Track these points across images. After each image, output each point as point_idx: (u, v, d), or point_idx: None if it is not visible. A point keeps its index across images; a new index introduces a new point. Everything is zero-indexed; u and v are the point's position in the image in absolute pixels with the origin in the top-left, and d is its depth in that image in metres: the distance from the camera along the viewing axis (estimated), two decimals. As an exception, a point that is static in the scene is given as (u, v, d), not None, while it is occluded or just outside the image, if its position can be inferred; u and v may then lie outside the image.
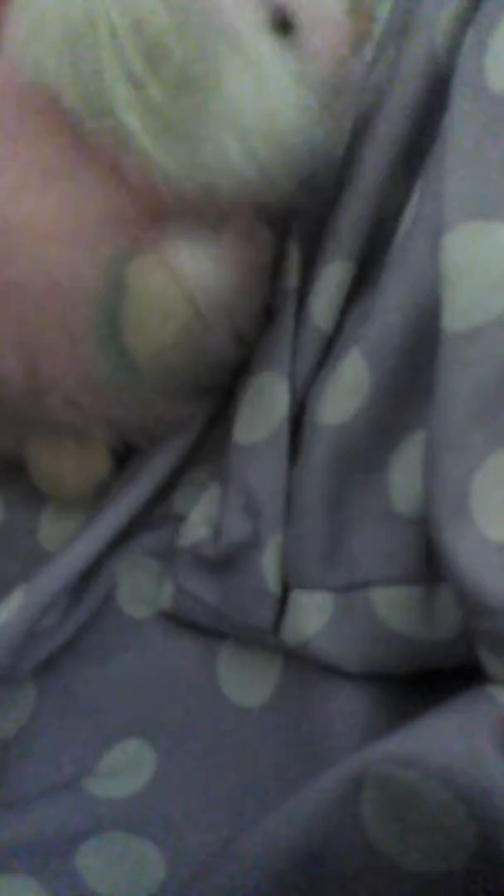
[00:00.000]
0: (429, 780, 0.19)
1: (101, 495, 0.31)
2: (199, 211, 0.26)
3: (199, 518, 0.30)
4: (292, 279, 0.30)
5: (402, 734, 0.20)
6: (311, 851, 0.20)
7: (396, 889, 0.20)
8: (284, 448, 0.28)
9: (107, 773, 0.27)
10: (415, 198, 0.27)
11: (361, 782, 0.20)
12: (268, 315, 0.30)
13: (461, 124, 0.23)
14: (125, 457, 0.32)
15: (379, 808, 0.20)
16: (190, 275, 0.26)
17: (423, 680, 0.25)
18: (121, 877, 0.23)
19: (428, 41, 0.27)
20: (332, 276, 0.29)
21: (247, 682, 0.28)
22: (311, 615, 0.27)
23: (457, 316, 0.22)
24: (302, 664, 0.27)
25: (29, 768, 0.27)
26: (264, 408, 0.29)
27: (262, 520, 0.28)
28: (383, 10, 0.33)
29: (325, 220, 0.31)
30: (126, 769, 0.27)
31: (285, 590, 0.28)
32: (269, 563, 0.27)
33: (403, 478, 0.26)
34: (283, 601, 0.28)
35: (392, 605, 0.25)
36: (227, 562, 0.28)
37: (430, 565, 0.25)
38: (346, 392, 0.27)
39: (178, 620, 0.29)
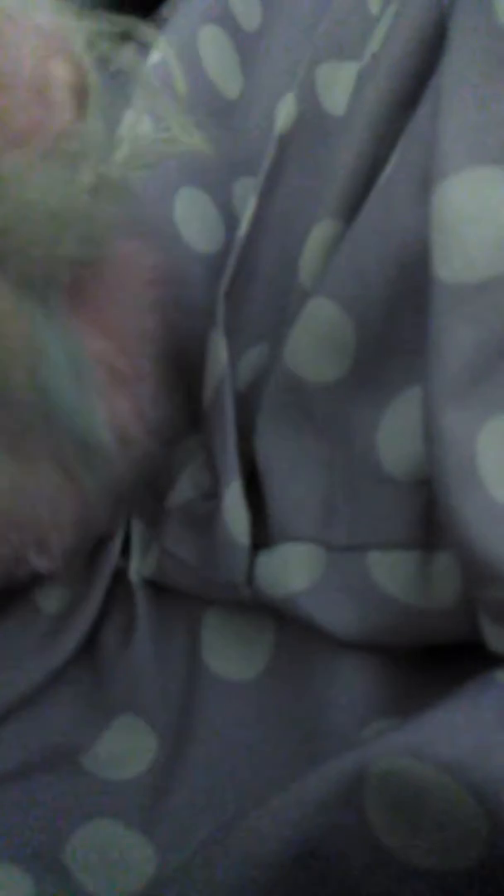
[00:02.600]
0: (438, 774, 0.18)
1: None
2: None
3: (187, 481, 0.29)
4: None
5: (407, 725, 0.19)
6: (311, 846, 0.19)
7: (403, 886, 0.19)
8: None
9: (106, 754, 0.26)
10: (400, 143, 0.25)
11: (365, 774, 0.19)
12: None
13: (464, 63, 0.22)
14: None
15: (384, 802, 0.19)
16: None
17: (426, 657, 0.24)
18: (108, 871, 0.22)
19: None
20: (320, 235, 0.27)
21: (237, 658, 0.27)
22: (298, 569, 0.25)
23: (459, 268, 0.21)
24: (296, 637, 0.26)
25: (24, 739, 0.26)
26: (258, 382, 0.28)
27: (219, 471, 0.27)
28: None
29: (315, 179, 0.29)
30: (126, 752, 0.26)
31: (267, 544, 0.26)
32: (232, 512, 0.26)
33: (392, 441, 0.24)
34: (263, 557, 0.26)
35: (388, 569, 0.24)
36: (206, 520, 0.27)
37: (427, 530, 0.23)
38: (333, 350, 0.25)
39: (165, 593, 0.28)
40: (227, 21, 0.36)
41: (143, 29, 0.24)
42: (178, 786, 0.25)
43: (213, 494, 0.27)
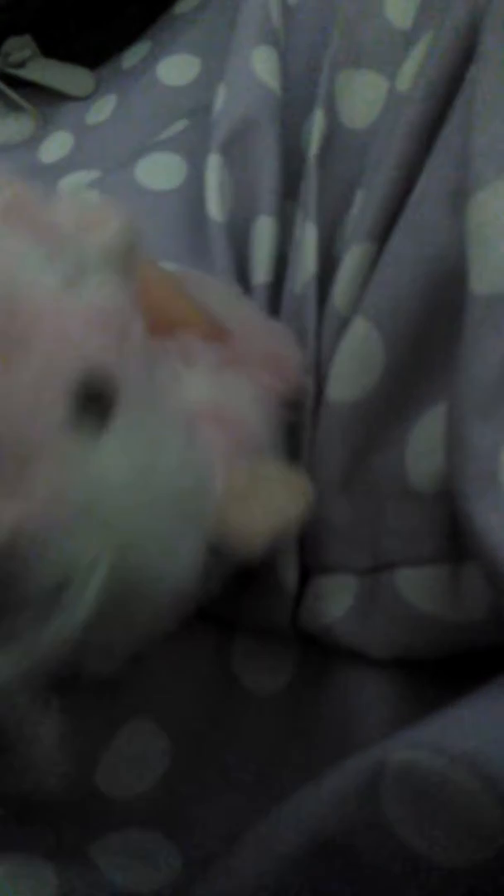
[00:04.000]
0: (455, 767, 0.18)
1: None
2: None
3: None
4: (311, 267, 0.29)
5: (426, 721, 0.19)
6: (328, 838, 0.19)
7: (418, 879, 0.19)
8: (306, 442, 0.27)
9: (118, 764, 0.26)
10: (430, 157, 0.25)
11: (383, 767, 0.19)
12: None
13: (493, 72, 0.22)
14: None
15: (401, 794, 0.19)
16: None
17: (452, 666, 0.24)
18: (135, 867, 0.23)
19: (470, 11, 0.25)
20: (354, 260, 0.27)
21: (263, 669, 0.27)
22: (333, 600, 0.26)
23: (491, 279, 0.21)
24: (321, 650, 0.26)
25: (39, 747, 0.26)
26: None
27: None
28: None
29: (347, 201, 0.29)
30: (139, 759, 0.26)
31: (304, 575, 0.26)
32: (285, 556, 0.26)
33: (420, 454, 0.24)
34: (300, 587, 0.26)
35: (418, 585, 0.24)
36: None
37: (454, 543, 0.23)
38: (361, 368, 0.25)
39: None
40: (272, 38, 0.36)
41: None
42: (196, 790, 0.25)
43: None
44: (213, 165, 0.33)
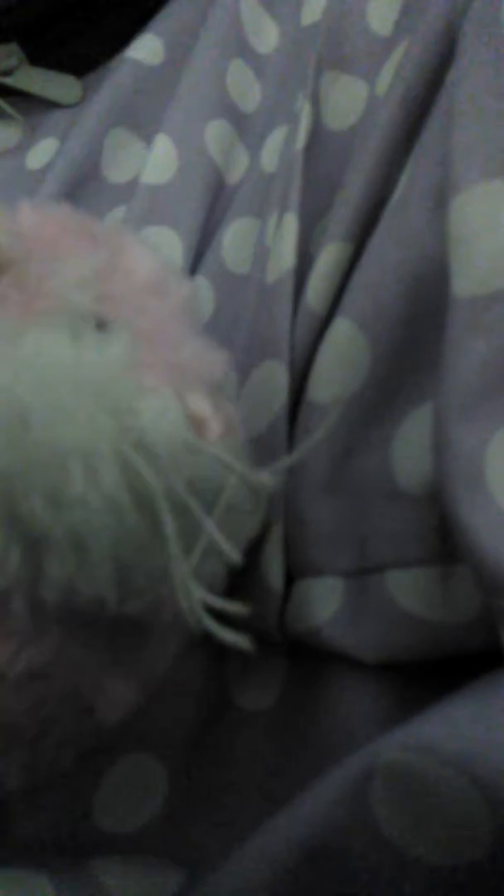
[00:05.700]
0: (444, 768, 0.18)
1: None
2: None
3: None
4: (289, 259, 0.29)
5: (414, 722, 0.19)
6: (321, 845, 0.19)
7: (410, 883, 0.19)
8: (283, 438, 0.27)
9: (115, 801, 0.25)
10: (411, 160, 0.25)
11: (372, 772, 0.19)
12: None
13: (473, 74, 0.22)
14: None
15: (390, 799, 0.19)
16: None
17: (442, 674, 0.24)
18: (137, 883, 0.22)
19: (446, 16, 0.26)
20: (329, 258, 0.27)
21: (256, 684, 0.27)
22: (320, 602, 0.25)
23: (472, 280, 0.21)
24: (310, 662, 0.26)
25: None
26: (265, 398, 0.28)
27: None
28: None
29: (326, 202, 0.29)
30: (136, 794, 0.25)
31: (289, 580, 0.26)
32: (270, 558, 0.26)
33: (407, 455, 0.24)
34: (286, 592, 0.26)
35: (408, 587, 0.24)
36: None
37: (444, 544, 0.23)
38: (345, 369, 0.25)
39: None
40: (244, 51, 0.36)
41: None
42: (196, 815, 0.25)
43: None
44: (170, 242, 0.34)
